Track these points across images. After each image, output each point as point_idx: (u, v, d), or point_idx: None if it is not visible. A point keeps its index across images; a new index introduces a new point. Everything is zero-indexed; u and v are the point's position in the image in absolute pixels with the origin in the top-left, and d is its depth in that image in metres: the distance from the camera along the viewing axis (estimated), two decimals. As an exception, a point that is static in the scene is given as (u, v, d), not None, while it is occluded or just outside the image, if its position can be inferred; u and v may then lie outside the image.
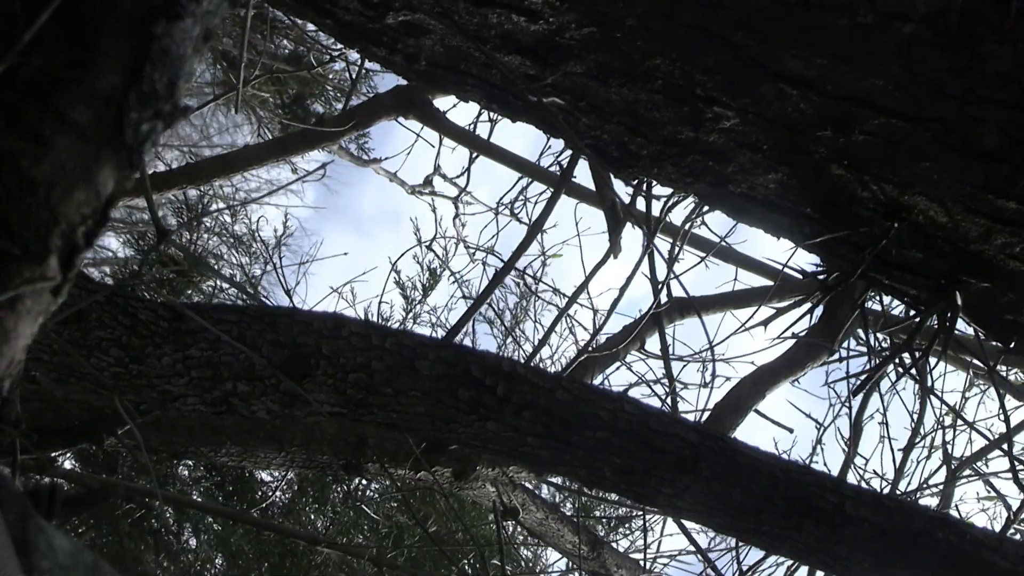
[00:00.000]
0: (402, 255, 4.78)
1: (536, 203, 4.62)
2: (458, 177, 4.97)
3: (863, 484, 3.55)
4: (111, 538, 4.76)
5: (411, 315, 5.46)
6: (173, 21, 0.67)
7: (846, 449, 3.66)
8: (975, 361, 3.69)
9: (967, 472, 3.80)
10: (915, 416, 3.74)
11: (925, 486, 3.86)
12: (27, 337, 0.72)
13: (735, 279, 4.20)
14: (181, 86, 0.70)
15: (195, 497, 5.05)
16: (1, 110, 0.63)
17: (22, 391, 1.86)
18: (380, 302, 4.61)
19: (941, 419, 3.87)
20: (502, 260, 4.65)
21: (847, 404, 3.70)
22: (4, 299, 0.66)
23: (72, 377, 1.64)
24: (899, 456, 3.67)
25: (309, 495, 5.17)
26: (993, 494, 3.83)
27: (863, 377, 2.64)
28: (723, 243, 3.94)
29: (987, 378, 3.65)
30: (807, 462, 3.85)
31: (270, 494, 5.09)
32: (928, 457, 3.91)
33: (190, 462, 4.87)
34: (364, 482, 4.95)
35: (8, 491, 0.71)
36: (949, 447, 3.81)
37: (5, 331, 0.69)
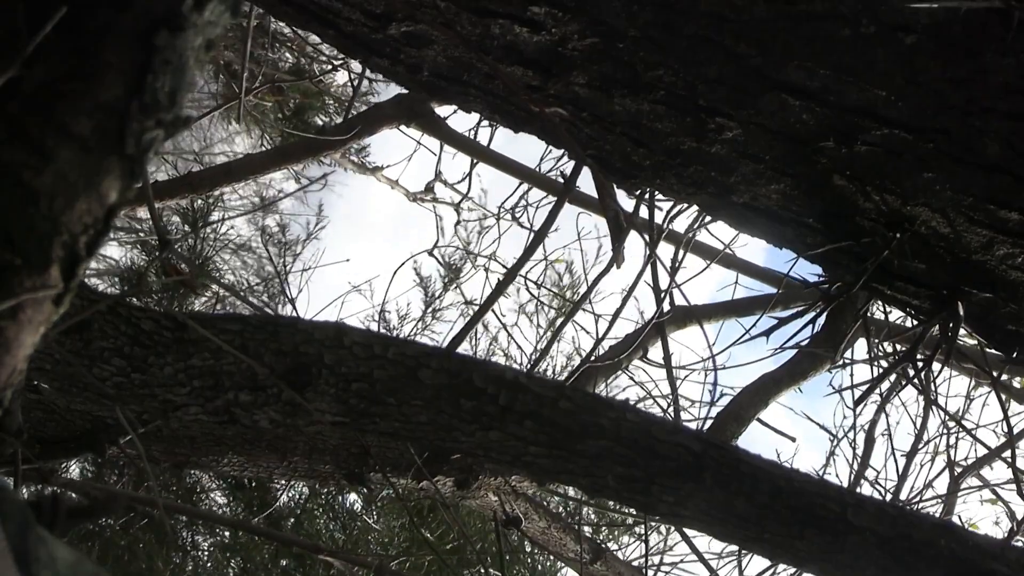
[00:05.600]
0: (403, 263, 4.78)
1: (538, 208, 4.63)
2: (459, 183, 4.98)
3: (873, 494, 3.56)
4: (116, 550, 4.76)
5: (425, 320, 5.46)
6: (175, 32, 0.67)
7: (853, 460, 3.66)
8: (979, 370, 3.70)
9: (970, 480, 3.80)
10: (917, 423, 3.74)
11: (928, 494, 3.86)
12: (29, 347, 0.72)
13: (736, 283, 4.21)
14: (183, 96, 0.70)
15: (211, 503, 5.07)
16: (4, 122, 0.63)
17: (24, 401, 1.86)
18: (382, 311, 4.60)
19: (943, 428, 3.88)
20: (504, 266, 4.65)
21: (854, 413, 3.71)
22: (5, 309, 0.66)
23: (74, 387, 1.64)
24: (902, 463, 3.67)
25: (318, 503, 5.18)
26: (994, 497, 3.83)
27: (865, 388, 2.64)
28: (726, 250, 3.95)
29: (991, 387, 3.65)
30: (821, 474, 3.86)
31: (279, 497, 5.10)
32: (931, 463, 3.91)
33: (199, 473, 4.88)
34: (371, 493, 4.96)
35: (10, 501, 0.71)
36: (952, 451, 3.81)
37: (7, 341, 0.69)
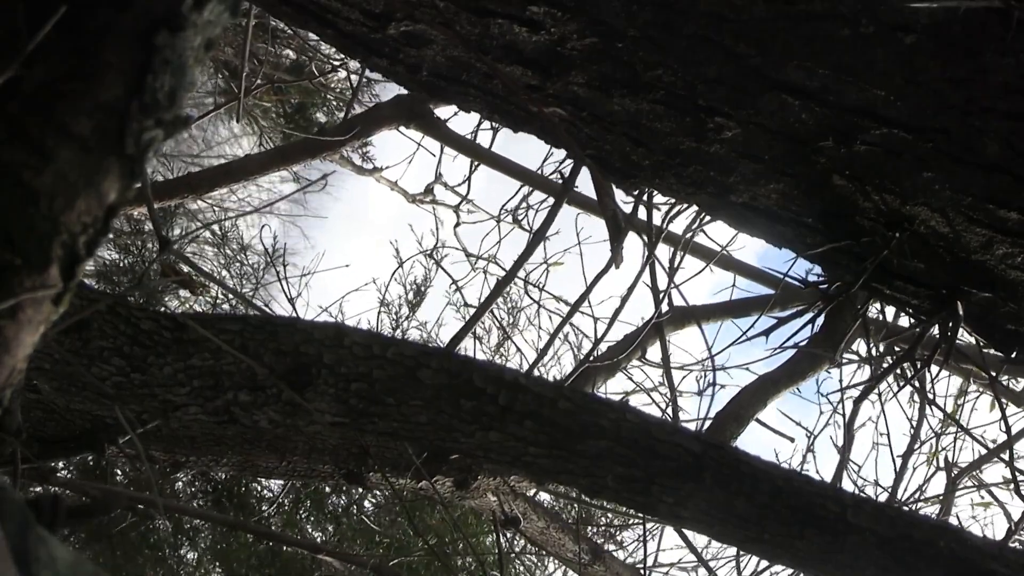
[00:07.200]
0: (397, 268, 4.77)
1: (538, 211, 4.62)
2: (459, 185, 4.98)
3: (861, 492, 3.56)
4: (113, 550, 4.76)
5: (399, 331, 5.47)
6: (175, 32, 0.67)
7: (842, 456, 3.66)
8: (976, 370, 3.70)
9: (966, 481, 3.80)
10: (914, 423, 3.75)
11: (923, 495, 3.85)
12: (28, 346, 0.72)
13: (733, 285, 4.21)
14: (182, 95, 0.70)
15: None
16: (4, 122, 0.63)
17: (24, 400, 1.86)
18: (379, 313, 4.61)
19: (941, 429, 3.88)
20: (504, 268, 4.65)
21: (840, 413, 3.71)
22: (5, 308, 0.66)
23: (73, 386, 1.64)
24: (898, 463, 3.67)
25: (307, 506, 5.17)
26: (989, 500, 3.83)
27: (864, 387, 2.64)
28: (723, 251, 3.95)
29: (988, 387, 3.65)
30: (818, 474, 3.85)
31: (267, 508, 5.09)
32: (928, 465, 3.91)
33: (188, 477, 4.88)
34: (364, 492, 4.96)
35: (9, 501, 0.71)
36: (949, 454, 3.82)
37: (6, 340, 0.69)
